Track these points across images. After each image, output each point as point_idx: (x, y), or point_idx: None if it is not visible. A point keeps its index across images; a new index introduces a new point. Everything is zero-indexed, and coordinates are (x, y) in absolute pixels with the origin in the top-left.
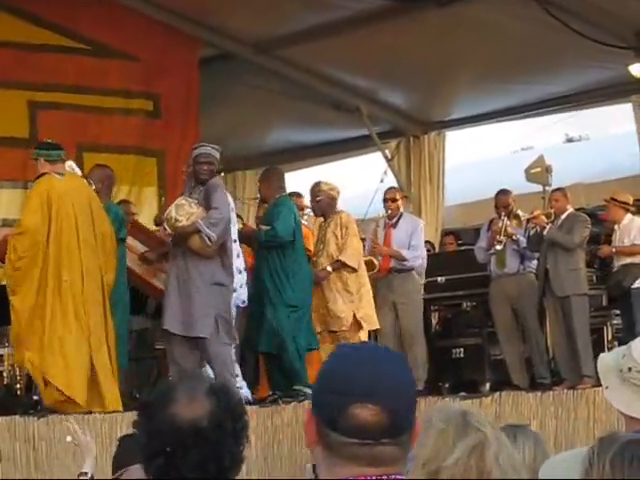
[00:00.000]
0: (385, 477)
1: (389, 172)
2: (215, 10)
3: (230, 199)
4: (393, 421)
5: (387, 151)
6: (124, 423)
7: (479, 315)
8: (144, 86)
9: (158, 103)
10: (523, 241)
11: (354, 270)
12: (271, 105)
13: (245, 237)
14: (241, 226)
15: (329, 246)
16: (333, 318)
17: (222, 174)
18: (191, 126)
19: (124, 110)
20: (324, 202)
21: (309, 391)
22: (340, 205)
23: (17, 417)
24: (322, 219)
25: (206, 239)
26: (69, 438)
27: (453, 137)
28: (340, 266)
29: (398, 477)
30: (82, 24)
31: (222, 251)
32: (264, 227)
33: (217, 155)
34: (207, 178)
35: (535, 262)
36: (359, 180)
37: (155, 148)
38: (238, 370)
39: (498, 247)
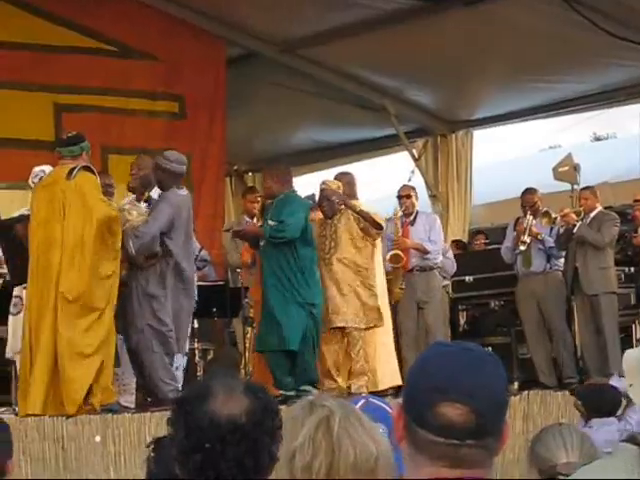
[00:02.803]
0: (467, 479)
1: (416, 171)
2: (241, 10)
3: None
4: (480, 423)
5: (414, 150)
6: (152, 423)
7: (507, 314)
8: (169, 87)
9: (183, 104)
10: (549, 240)
11: (378, 229)
12: (297, 105)
13: (247, 236)
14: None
15: (342, 243)
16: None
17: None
18: (217, 127)
19: (149, 112)
20: (335, 202)
21: (316, 391)
22: (367, 204)
23: (46, 417)
24: (322, 216)
25: (127, 249)
26: (98, 438)
27: (480, 136)
28: (368, 220)
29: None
30: (108, 25)
31: (161, 264)
32: (272, 222)
33: (161, 162)
34: (134, 189)
35: (562, 260)
36: (386, 179)
37: (180, 150)
38: (178, 376)
39: (522, 247)
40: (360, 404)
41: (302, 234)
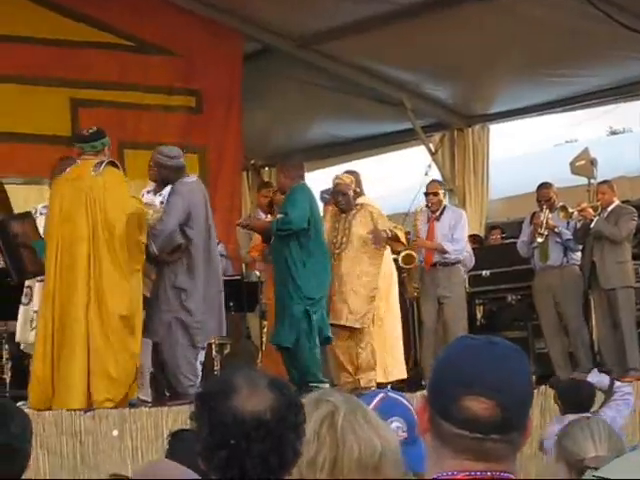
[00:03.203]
0: (490, 474)
1: (433, 165)
2: (258, 4)
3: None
4: (505, 417)
5: (431, 145)
6: (170, 417)
7: (524, 308)
8: (186, 82)
9: (200, 99)
10: (566, 233)
11: (403, 246)
12: (314, 99)
13: (255, 229)
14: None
15: (354, 240)
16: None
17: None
18: (233, 121)
19: (165, 107)
20: (350, 196)
21: (325, 386)
22: (384, 199)
23: (64, 411)
24: (336, 209)
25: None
26: (115, 432)
27: (497, 130)
28: (395, 240)
29: (504, 475)
30: (125, 20)
31: (187, 255)
32: (279, 215)
33: (161, 160)
34: (155, 180)
35: (579, 254)
36: (403, 174)
37: (197, 144)
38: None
39: (539, 240)
40: (378, 398)
41: (309, 225)
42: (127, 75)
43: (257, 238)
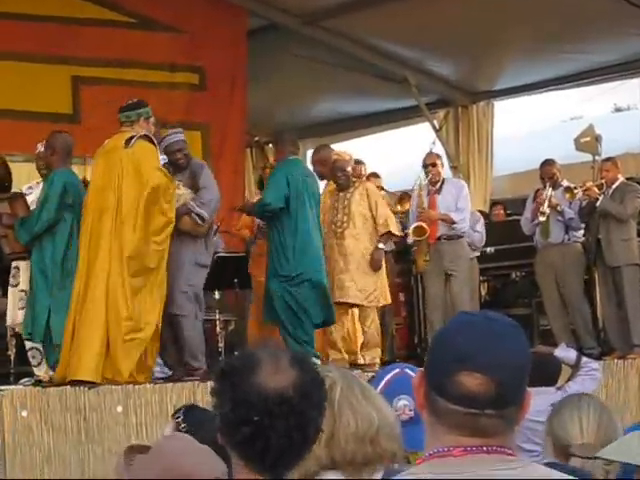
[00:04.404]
0: (486, 447)
1: (437, 142)
2: None
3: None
4: (499, 393)
5: (435, 121)
6: (174, 393)
7: (528, 285)
8: (189, 59)
9: (204, 76)
10: (568, 212)
11: (399, 239)
12: (318, 76)
13: (249, 212)
14: None
15: (355, 218)
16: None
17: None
18: (238, 98)
19: (168, 84)
20: (350, 173)
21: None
22: (388, 176)
23: (68, 387)
24: (333, 188)
25: (197, 219)
26: (119, 408)
27: (501, 107)
28: (389, 238)
29: (500, 449)
30: None
31: (207, 232)
32: (257, 197)
33: (183, 137)
34: (185, 163)
35: (580, 232)
36: (407, 150)
37: (200, 121)
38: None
39: (541, 218)
40: (392, 374)
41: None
42: (130, 52)
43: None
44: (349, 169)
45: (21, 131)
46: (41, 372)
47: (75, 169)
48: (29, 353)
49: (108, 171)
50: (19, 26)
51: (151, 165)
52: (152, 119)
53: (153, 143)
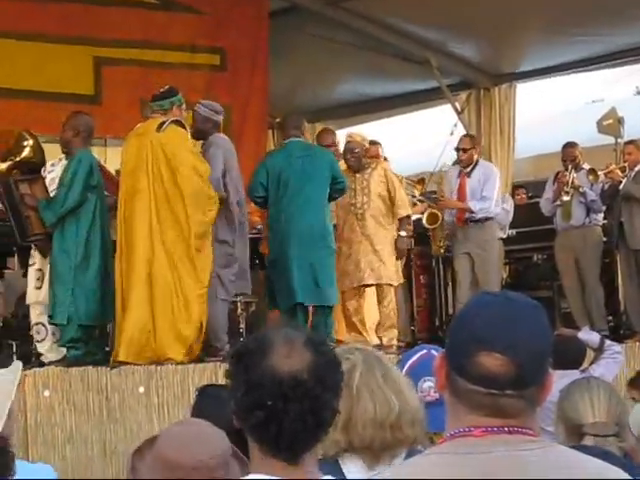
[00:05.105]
0: (507, 428)
1: (459, 124)
2: None
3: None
4: (519, 373)
5: (457, 103)
6: (196, 374)
7: (549, 268)
8: (210, 40)
9: (224, 56)
10: (590, 194)
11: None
12: (340, 57)
13: None
14: None
15: (375, 198)
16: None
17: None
18: (259, 79)
19: (189, 65)
20: (361, 154)
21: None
22: (410, 158)
23: (90, 368)
24: (350, 170)
25: None
26: (141, 389)
27: (524, 89)
28: (407, 223)
29: (521, 430)
30: None
31: (225, 208)
32: None
33: (205, 115)
34: (193, 137)
35: (601, 215)
36: (429, 132)
37: (221, 103)
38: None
39: (565, 198)
40: (418, 355)
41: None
42: (151, 33)
43: None
44: (357, 150)
45: (43, 112)
46: (44, 348)
47: (95, 150)
48: (34, 328)
49: (139, 154)
50: (41, 7)
51: (184, 148)
52: (184, 105)
53: (185, 128)
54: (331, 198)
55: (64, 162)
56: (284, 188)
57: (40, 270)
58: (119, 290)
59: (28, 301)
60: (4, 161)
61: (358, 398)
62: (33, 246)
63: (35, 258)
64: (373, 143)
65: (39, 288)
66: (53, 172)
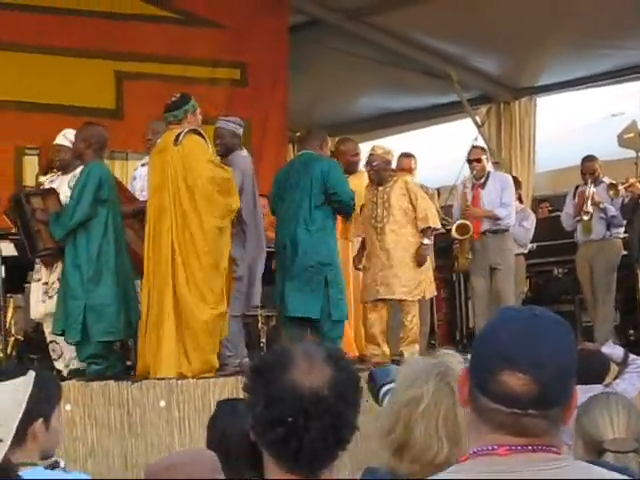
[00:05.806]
0: (531, 447)
1: (479, 138)
2: None
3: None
4: (543, 393)
5: (477, 117)
6: (217, 388)
7: (570, 282)
8: (231, 54)
9: (245, 71)
10: (610, 209)
11: (439, 232)
12: (360, 72)
13: None
14: None
15: (396, 212)
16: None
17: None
18: (279, 93)
19: (210, 79)
20: (381, 167)
21: None
22: (431, 172)
23: (111, 382)
24: (372, 183)
25: None
26: (162, 403)
27: (544, 103)
28: (430, 233)
29: (545, 447)
30: None
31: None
32: None
33: (232, 129)
34: (221, 151)
35: (622, 229)
36: (449, 146)
37: (242, 117)
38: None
39: (585, 217)
40: None
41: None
42: (172, 48)
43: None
44: (376, 163)
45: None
46: (61, 365)
47: (118, 164)
48: (49, 346)
49: (162, 171)
50: (63, 21)
51: (200, 159)
52: (198, 110)
53: (202, 135)
54: (335, 210)
55: (62, 177)
56: (282, 201)
57: (47, 284)
58: (145, 307)
59: (33, 316)
60: (45, 174)
61: (412, 429)
62: (38, 261)
63: (41, 273)
64: (406, 155)
65: (45, 301)
66: (53, 184)
